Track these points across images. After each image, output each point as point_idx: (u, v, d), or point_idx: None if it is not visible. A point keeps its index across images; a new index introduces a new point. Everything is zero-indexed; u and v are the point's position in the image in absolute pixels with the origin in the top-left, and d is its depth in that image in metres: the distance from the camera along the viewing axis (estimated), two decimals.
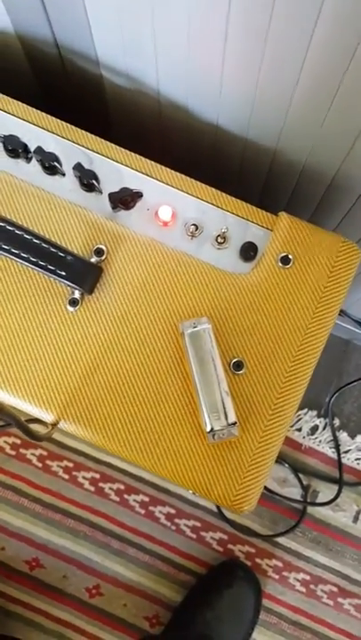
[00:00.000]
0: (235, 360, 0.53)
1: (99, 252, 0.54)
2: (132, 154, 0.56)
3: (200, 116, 0.58)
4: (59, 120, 0.56)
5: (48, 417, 0.52)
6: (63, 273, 0.51)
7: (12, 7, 0.55)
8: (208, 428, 0.49)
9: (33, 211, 0.55)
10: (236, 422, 0.49)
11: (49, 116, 0.57)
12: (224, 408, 0.49)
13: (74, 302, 0.53)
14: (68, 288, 0.53)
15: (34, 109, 0.57)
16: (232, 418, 0.49)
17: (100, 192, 0.56)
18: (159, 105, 0.59)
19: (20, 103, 0.57)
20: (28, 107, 0.57)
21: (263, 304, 0.54)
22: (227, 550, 1.00)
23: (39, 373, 0.52)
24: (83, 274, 0.52)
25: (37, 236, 0.52)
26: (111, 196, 0.55)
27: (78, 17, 0.52)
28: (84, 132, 0.57)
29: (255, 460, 0.51)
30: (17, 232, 0.51)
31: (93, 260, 0.53)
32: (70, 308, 0.53)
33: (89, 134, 0.57)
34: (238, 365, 0.52)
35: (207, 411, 0.49)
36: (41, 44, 0.59)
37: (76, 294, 0.53)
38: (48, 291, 0.53)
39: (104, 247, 0.54)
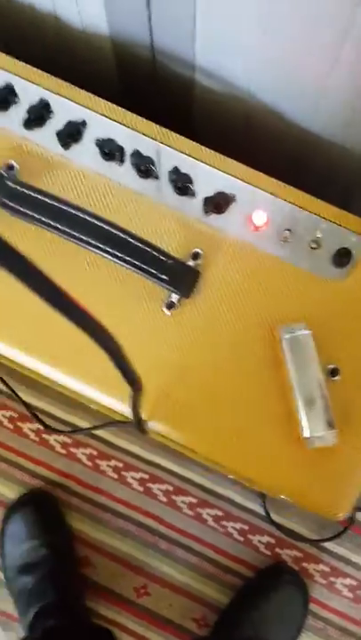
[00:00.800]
0: (330, 366, 0.53)
1: (195, 256, 0.54)
2: (227, 158, 0.57)
3: (293, 122, 0.58)
4: (155, 124, 0.57)
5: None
6: (165, 277, 0.52)
7: (114, 11, 0.55)
8: (307, 435, 0.50)
9: (128, 213, 0.55)
10: (335, 429, 0.50)
11: (145, 120, 0.57)
12: (324, 414, 0.50)
13: (171, 305, 0.53)
14: (165, 290, 0.54)
15: (131, 113, 0.57)
16: (332, 425, 0.50)
17: (194, 195, 0.56)
18: (249, 108, 0.60)
19: (117, 107, 0.57)
20: (126, 110, 0.57)
21: (359, 310, 0.54)
22: (274, 554, 1.00)
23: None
24: (182, 277, 0.52)
25: (140, 240, 0.52)
26: (207, 200, 0.56)
27: (184, 22, 0.52)
28: (179, 136, 0.57)
29: (352, 466, 0.51)
30: (121, 235, 0.52)
31: (191, 263, 0.54)
32: (167, 311, 0.53)
33: (185, 138, 0.57)
34: (334, 372, 0.53)
35: (306, 417, 0.50)
36: (135, 47, 0.59)
37: (173, 297, 0.53)
38: (145, 293, 0.54)
39: (200, 251, 0.54)
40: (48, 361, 0.53)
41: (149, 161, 0.56)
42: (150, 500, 1.01)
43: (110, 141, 0.56)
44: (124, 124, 0.57)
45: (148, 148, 0.57)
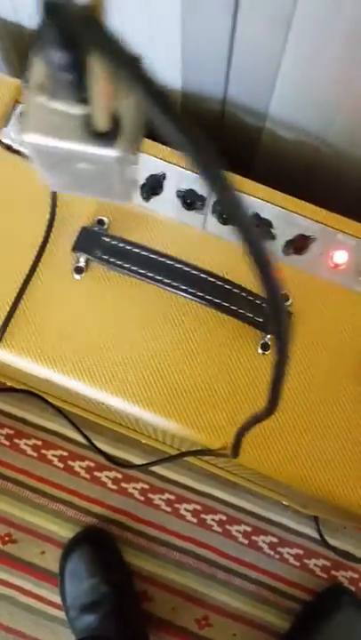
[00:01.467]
0: None
1: (284, 298, 0.56)
2: (303, 202, 0.59)
3: None
4: (238, 175, 0.60)
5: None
6: (261, 320, 0.54)
7: (191, 68, 0.58)
8: None
9: (213, 258, 0.58)
10: None
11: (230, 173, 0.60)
12: None
13: (265, 346, 0.56)
14: (258, 332, 0.56)
15: None
16: None
17: (274, 238, 0.59)
18: (318, 153, 0.63)
19: None
20: None
21: None
22: (330, 576, 1.02)
23: (229, 413, 0.55)
24: None
25: (233, 284, 0.55)
26: (288, 242, 0.58)
27: (264, 79, 0.55)
28: (256, 183, 0.60)
29: None
30: (215, 281, 0.54)
31: None
32: (261, 351, 0.56)
33: (261, 185, 0.60)
34: None
35: None
36: (205, 100, 0.62)
37: (267, 338, 0.56)
38: (239, 336, 0.56)
39: (288, 292, 0.57)
40: (147, 406, 0.55)
41: None
42: (205, 530, 1.03)
43: (191, 192, 0.59)
44: None
45: None
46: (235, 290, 0.54)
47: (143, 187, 0.59)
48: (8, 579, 1.02)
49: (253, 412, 0.54)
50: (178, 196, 0.60)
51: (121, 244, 0.55)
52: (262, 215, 0.59)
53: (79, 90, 0.26)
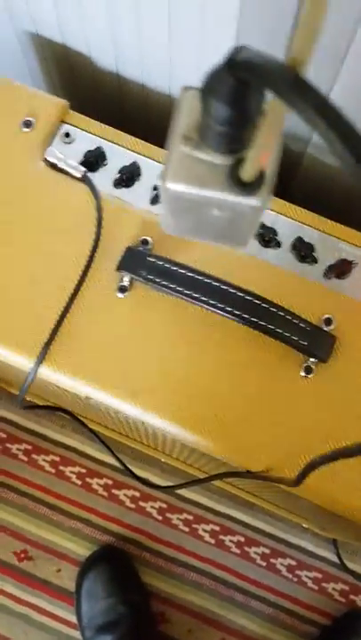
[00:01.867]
0: None
1: (328, 322, 0.57)
2: (347, 227, 0.60)
3: None
4: (280, 200, 0.60)
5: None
6: (305, 343, 0.54)
7: None
8: None
9: (258, 281, 0.58)
10: None
11: (274, 198, 0.60)
12: None
13: (309, 370, 0.56)
14: (301, 356, 0.56)
15: None
16: None
17: (316, 262, 0.60)
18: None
19: None
20: None
21: None
22: (349, 601, 1.01)
23: (269, 435, 0.55)
24: (320, 342, 0.55)
25: (278, 307, 0.55)
26: (330, 267, 0.59)
27: None
28: (298, 207, 0.60)
29: None
30: (260, 303, 0.55)
31: (325, 328, 0.56)
32: (304, 374, 0.56)
33: (303, 210, 0.60)
34: None
35: None
36: None
37: (310, 362, 0.56)
38: (283, 358, 0.56)
39: (331, 316, 0.57)
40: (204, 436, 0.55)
41: (272, 232, 0.59)
42: (223, 552, 1.02)
43: None
44: None
45: (269, 219, 0.60)
46: (279, 312, 0.54)
47: None
48: (23, 596, 1.01)
49: (293, 433, 0.55)
50: None
51: (165, 264, 0.56)
52: (305, 239, 0.59)
53: (232, 142, 0.27)
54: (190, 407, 0.55)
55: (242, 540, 1.02)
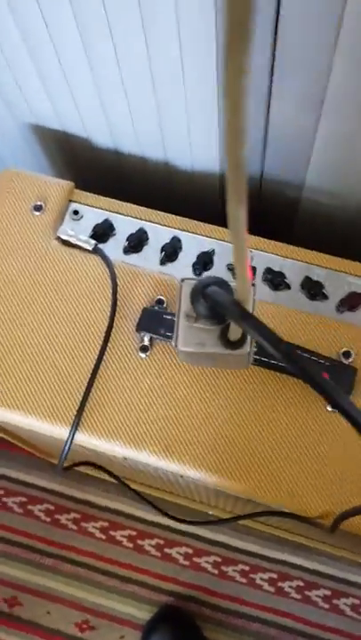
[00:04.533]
0: None
1: (347, 354, 0.58)
2: (353, 262, 0.62)
3: None
4: (282, 243, 0.63)
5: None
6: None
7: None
8: None
9: (276, 326, 0.60)
10: None
11: (270, 241, 0.63)
12: None
13: None
14: None
15: (256, 237, 0.63)
16: None
17: (327, 298, 0.61)
18: (357, 213, 0.66)
19: (248, 235, 0.63)
20: (250, 235, 0.63)
21: None
22: None
23: (306, 474, 0.56)
24: (342, 376, 0.56)
25: (301, 348, 0.57)
26: (342, 301, 0.61)
27: (299, 157, 0.59)
28: (302, 249, 0.63)
29: None
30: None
31: (345, 361, 0.58)
32: (330, 409, 0.57)
33: (308, 250, 0.63)
34: None
35: None
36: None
37: None
38: (307, 396, 0.58)
39: (349, 349, 0.59)
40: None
41: (280, 275, 0.62)
42: (283, 599, 1.01)
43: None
44: (252, 248, 0.63)
45: (277, 264, 0.62)
46: (299, 352, 0.56)
47: (195, 264, 0.63)
48: None
49: (328, 466, 0.55)
50: (229, 269, 0.63)
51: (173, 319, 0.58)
52: (313, 278, 0.62)
53: (217, 320, 0.39)
54: (224, 455, 0.57)
55: (301, 584, 1.01)
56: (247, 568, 1.02)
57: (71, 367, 0.60)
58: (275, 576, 1.01)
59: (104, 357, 0.60)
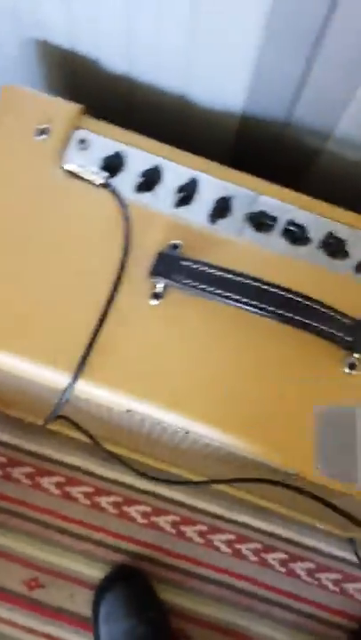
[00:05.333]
0: None
1: None
2: None
3: None
4: (304, 195, 0.59)
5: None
6: (350, 339, 0.53)
7: (257, 94, 0.58)
8: None
9: (290, 278, 0.57)
10: None
11: (293, 192, 0.59)
12: None
13: (353, 365, 0.55)
14: (342, 351, 0.55)
15: (277, 186, 0.60)
16: None
17: (348, 256, 0.59)
18: None
19: (263, 181, 0.59)
20: (271, 184, 0.59)
21: None
22: None
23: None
24: None
25: (319, 303, 0.54)
26: None
27: (334, 105, 0.56)
28: (329, 204, 0.60)
29: None
30: (299, 300, 0.53)
31: None
32: (348, 371, 0.55)
33: (333, 206, 0.60)
34: None
35: None
36: (265, 123, 0.62)
37: (354, 358, 0.55)
38: (322, 356, 0.55)
39: None
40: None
41: (301, 229, 0.59)
42: (240, 561, 1.00)
43: (261, 214, 0.58)
44: (271, 196, 0.59)
45: (297, 216, 0.59)
46: (321, 308, 0.53)
47: (213, 211, 0.59)
48: (36, 626, 0.97)
49: None
50: (247, 219, 0.59)
51: (198, 267, 0.54)
52: (336, 235, 0.59)
53: None
54: (233, 410, 0.54)
55: (259, 547, 1.01)
56: (205, 529, 1.01)
57: (78, 313, 0.55)
58: (233, 537, 1.01)
59: (114, 303, 0.55)
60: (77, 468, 1.02)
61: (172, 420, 0.54)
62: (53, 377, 0.54)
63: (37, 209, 0.57)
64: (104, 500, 1.01)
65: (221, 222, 0.59)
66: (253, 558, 1.00)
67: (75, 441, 1.02)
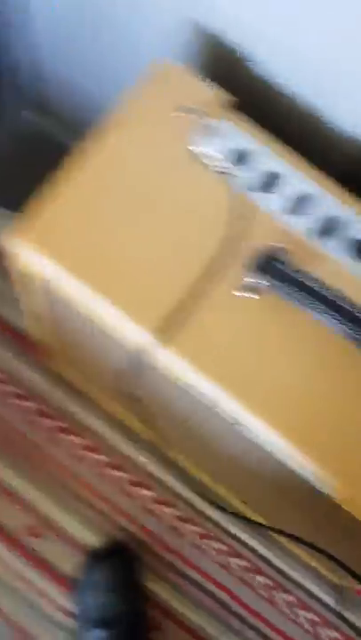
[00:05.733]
0: None
1: None
2: None
3: None
4: None
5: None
6: None
7: None
8: None
9: None
10: None
11: None
12: None
13: None
14: None
15: None
16: None
17: None
18: None
19: None
20: None
21: None
22: None
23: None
24: None
25: None
26: None
27: None
28: None
29: None
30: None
31: None
32: None
33: None
34: None
35: None
36: None
37: None
38: None
39: None
40: None
41: None
42: (226, 573, 1.01)
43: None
44: None
45: None
46: None
47: (322, 227, 0.61)
48: (24, 572, 0.99)
49: None
50: (352, 244, 0.61)
51: (297, 275, 0.56)
52: None
53: None
54: (295, 415, 0.55)
55: (248, 565, 1.01)
56: (203, 532, 1.02)
57: (168, 278, 0.57)
58: (225, 548, 1.02)
59: (204, 282, 0.57)
60: (100, 436, 1.05)
61: (232, 407, 0.56)
62: (134, 330, 0.56)
63: (158, 178, 0.60)
64: (116, 474, 1.03)
65: (326, 240, 0.60)
66: (239, 574, 1.01)
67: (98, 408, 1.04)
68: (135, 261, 0.58)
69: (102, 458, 1.04)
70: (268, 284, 0.56)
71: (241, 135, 0.62)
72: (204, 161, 0.61)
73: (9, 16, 0.90)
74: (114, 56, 0.82)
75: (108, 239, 0.58)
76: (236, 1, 0.61)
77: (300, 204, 0.61)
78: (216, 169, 0.61)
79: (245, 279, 0.57)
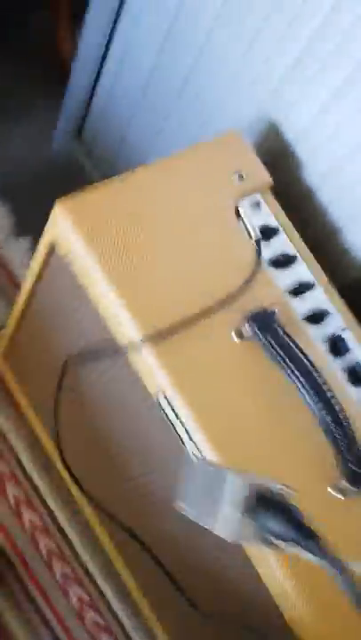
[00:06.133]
0: None
1: None
2: None
3: None
4: None
5: None
6: (355, 468, 0.62)
7: None
8: None
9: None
10: None
11: None
12: None
13: (340, 491, 0.62)
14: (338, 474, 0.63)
15: None
16: None
17: None
18: None
19: None
20: None
21: None
22: None
23: None
24: None
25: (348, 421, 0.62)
26: None
27: None
28: None
29: None
30: (340, 414, 0.62)
31: None
32: (334, 493, 0.62)
33: None
34: None
35: None
36: None
37: (343, 484, 0.62)
38: (318, 467, 0.63)
39: None
40: None
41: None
42: (78, 623, 0.99)
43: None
44: None
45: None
46: (349, 424, 0.62)
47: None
48: None
49: None
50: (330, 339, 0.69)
51: (288, 341, 0.64)
52: None
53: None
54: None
55: (101, 622, 1.00)
56: (68, 571, 1.01)
57: (177, 300, 0.64)
58: (87, 598, 1.01)
59: (205, 317, 0.64)
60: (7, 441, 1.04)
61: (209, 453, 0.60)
62: (128, 326, 0.62)
63: (203, 216, 0.69)
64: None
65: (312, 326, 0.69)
66: (90, 628, 1.00)
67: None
68: (155, 274, 0.64)
69: None
70: (258, 334, 0.63)
71: (271, 215, 0.72)
72: (245, 221, 0.70)
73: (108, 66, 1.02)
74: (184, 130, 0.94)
75: (137, 246, 0.65)
76: (312, 117, 0.73)
77: (301, 288, 0.70)
78: (251, 234, 0.70)
79: (241, 326, 0.64)
